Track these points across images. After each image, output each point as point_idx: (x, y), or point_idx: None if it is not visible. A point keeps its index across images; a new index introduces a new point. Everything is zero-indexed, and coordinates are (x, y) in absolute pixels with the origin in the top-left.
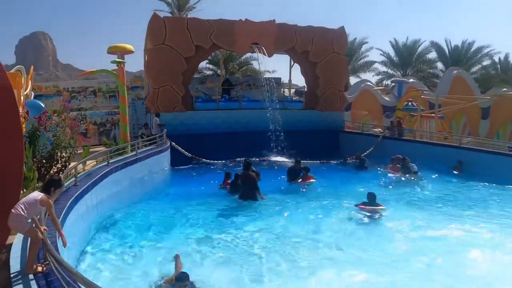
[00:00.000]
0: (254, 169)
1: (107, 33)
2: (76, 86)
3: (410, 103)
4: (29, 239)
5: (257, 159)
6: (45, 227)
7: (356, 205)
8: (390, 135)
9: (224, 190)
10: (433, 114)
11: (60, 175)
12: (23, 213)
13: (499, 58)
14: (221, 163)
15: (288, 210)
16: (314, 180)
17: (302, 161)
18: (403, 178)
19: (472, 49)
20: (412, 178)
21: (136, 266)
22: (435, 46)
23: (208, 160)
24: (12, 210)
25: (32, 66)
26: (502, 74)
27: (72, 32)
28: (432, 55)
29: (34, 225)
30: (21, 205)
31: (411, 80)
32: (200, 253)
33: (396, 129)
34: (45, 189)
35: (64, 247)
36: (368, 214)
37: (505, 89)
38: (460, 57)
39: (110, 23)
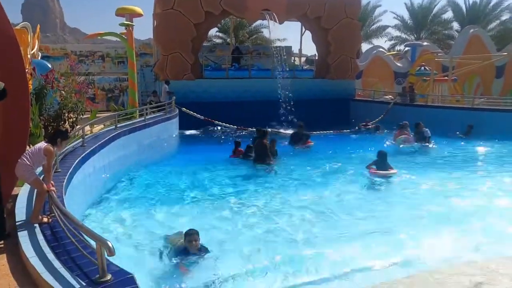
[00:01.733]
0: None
1: None
2: (84, 50)
3: (423, 68)
4: (36, 190)
5: (270, 129)
6: (52, 182)
7: (367, 167)
8: (401, 102)
9: (235, 159)
10: (446, 78)
11: (71, 135)
12: (28, 163)
13: None
14: (233, 127)
15: (298, 174)
16: (312, 143)
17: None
18: (415, 144)
19: (491, 4)
20: (426, 144)
21: (141, 227)
22: (452, 4)
23: (220, 123)
24: (19, 160)
25: (38, 25)
26: None
27: None
28: (448, 14)
29: (42, 177)
30: (26, 155)
31: (425, 43)
32: (211, 217)
33: (408, 95)
34: (50, 139)
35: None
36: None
37: None
38: (478, 14)
39: None
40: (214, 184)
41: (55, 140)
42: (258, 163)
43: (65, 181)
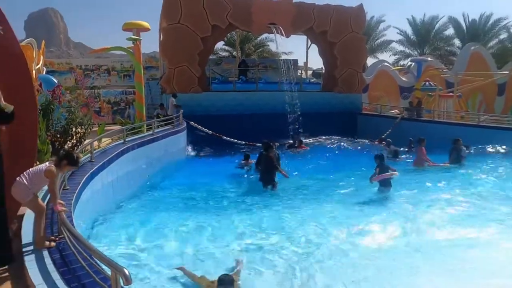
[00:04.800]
0: (275, 151)
1: (120, 12)
2: (90, 64)
3: (427, 83)
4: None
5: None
6: (61, 201)
7: (371, 177)
8: (408, 116)
9: (243, 169)
10: (451, 94)
11: (77, 151)
12: (26, 182)
13: None
14: (242, 142)
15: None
16: (307, 148)
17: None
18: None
19: (490, 23)
20: (461, 163)
21: (152, 246)
22: (453, 21)
23: (228, 138)
24: (17, 178)
25: (43, 41)
26: None
27: (84, 10)
28: (450, 31)
29: (49, 197)
30: (26, 174)
31: (429, 59)
32: (224, 239)
33: (415, 110)
34: (57, 159)
35: (57, 212)
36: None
37: None
38: (477, 31)
39: (124, 2)
40: (224, 200)
41: (60, 162)
42: (264, 183)
43: (74, 198)
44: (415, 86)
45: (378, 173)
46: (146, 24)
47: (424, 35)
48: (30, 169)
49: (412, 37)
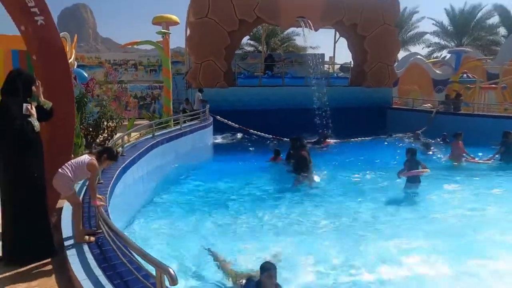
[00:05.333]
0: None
1: (146, 7)
2: (118, 58)
3: (465, 75)
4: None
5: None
6: (100, 196)
7: (399, 172)
8: (444, 110)
9: (273, 162)
10: (494, 85)
11: (110, 144)
12: (70, 175)
13: None
14: (269, 136)
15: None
16: (332, 142)
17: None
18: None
19: None
20: None
21: (184, 241)
22: (499, 9)
23: (255, 132)
24: (59, 170)
25: (76, 35)
26: None
27: (112, 5)
28: (494, 20)
29: (90, 193)
30: (69, 166)
31: (469, 49)
32: (254, 235)
33: (452, 103)
34: (97, 153)
35: (95, 206)
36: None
37: None
38: None
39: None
40: (254, 196)
41: (101, 156)
42: (298, 173)
43: (108, 193)
44: (452, 78)
45: (407, 169)
46: (175, 18)
47: (462, 25)
48: (72, 161)
49: (449, 27)
